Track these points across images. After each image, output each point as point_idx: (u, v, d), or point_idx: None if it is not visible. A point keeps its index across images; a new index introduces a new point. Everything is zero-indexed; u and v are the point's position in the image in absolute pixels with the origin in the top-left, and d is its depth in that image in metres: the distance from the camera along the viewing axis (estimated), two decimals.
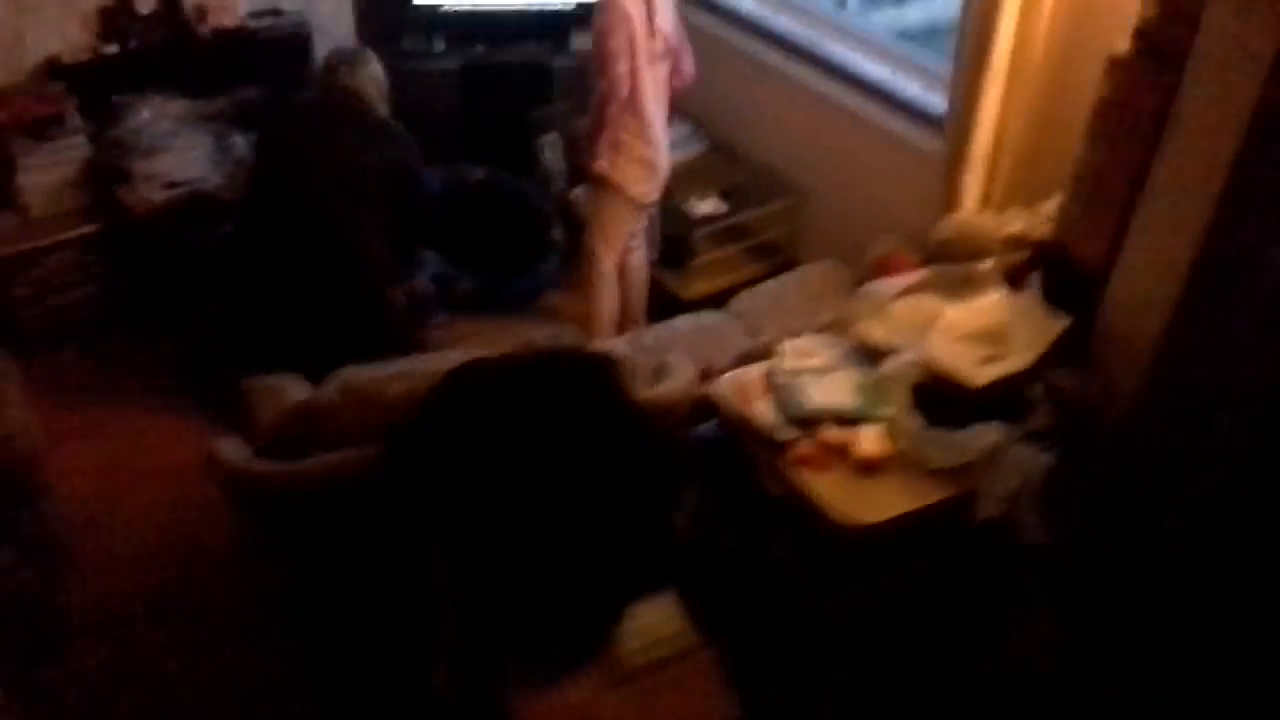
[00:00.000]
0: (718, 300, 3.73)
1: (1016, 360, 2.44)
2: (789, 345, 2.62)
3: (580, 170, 3.55)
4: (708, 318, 3.55)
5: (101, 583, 2.97)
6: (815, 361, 2.56)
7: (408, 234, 3.64)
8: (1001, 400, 2.41)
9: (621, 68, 3.28)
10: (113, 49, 3.93)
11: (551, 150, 4.37)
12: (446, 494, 2.24)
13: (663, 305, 3.90)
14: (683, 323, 3.53)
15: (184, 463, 3.28)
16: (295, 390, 2.87)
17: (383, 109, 3.61)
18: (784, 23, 4.08)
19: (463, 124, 4.44)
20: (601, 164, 3.47)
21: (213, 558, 3.08)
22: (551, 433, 2.24)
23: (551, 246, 4.22)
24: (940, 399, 2.41)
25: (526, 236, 4.20)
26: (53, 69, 3.87)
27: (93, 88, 3.85)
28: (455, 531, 2.24)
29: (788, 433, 2.36)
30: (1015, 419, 2.38)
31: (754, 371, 2.55)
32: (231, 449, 2.47)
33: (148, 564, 3.06)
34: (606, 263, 3.66)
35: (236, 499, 2.53)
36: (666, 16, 3.42)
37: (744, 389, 2.49)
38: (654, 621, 2.19)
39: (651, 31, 3.34)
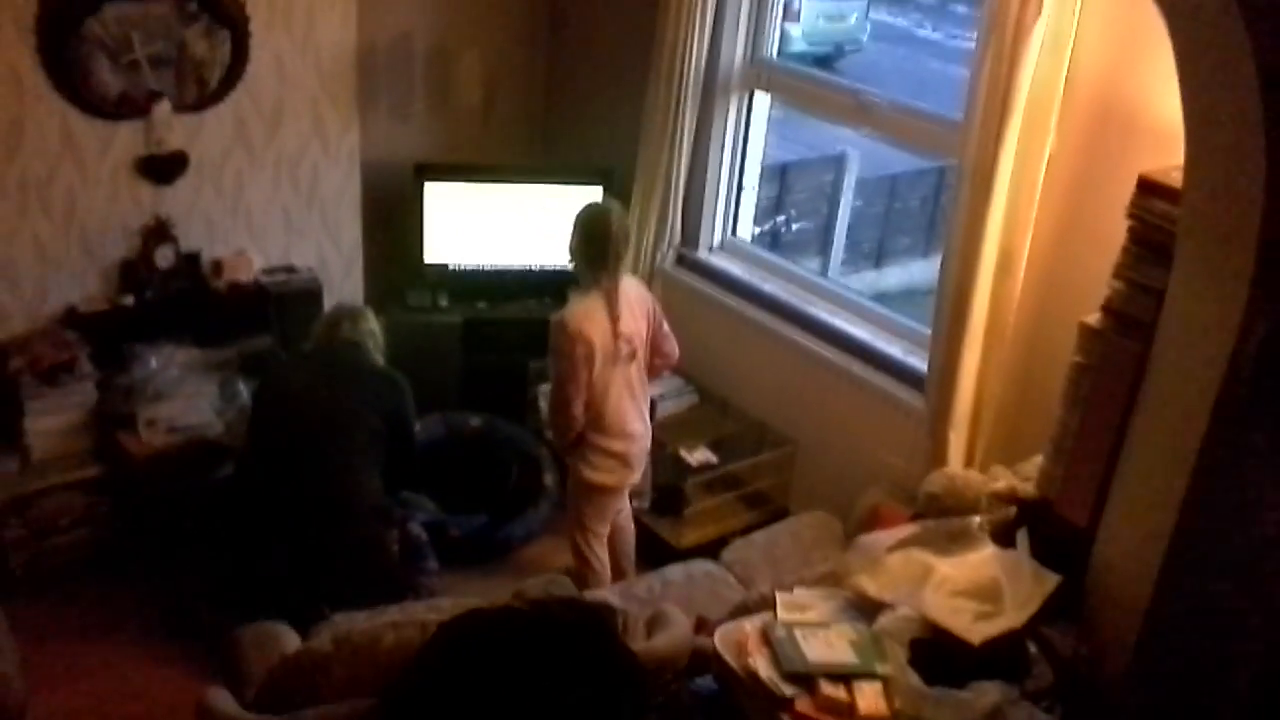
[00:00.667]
0: (710, 549, 3.77)
1: (1011, 618, 2.47)
2: (784, 598, 2.64)
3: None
4: (699, 567, 3.57)
5: None
6: (811, 615, 2.57)
7: (398, 478, 3.71)
8: (998, 658, 2.42)
9: (571, 389, 3.45)
10: (129, 300, 4.11)
11: (546, 400, 4.50)
12: None
13: (656, 553, 3.93)
14: (675, 572, 3.54)
15: (170, 709, 3.21)
16: (286, 639, 2.85)
17: (379, 360, 3.77)
18: (771, 287, 4.32)
19: (463, 374, 4.60)
20: (576, 465, 3.63)
21: None
22: (549, 687, 2.21)
23: (544, 492, 4.27)
24: (937, 655, 2.42)
25: (519, 482, 4.27)
26: (69, 317, 4.04)
27: (106, 336, 3.99)
28: None
29: (786, 689, 2.34)
30: (1013, 678, 2.37)
31: (749, 625, 2.55)
32: (222, 701, 2.42)
33: None
34: (597, 542, 3.73)
35: None
36: (633, 318, 3.53)
37: (740, 643, 2.48)
38: None
39: (615, 336, 3.46)
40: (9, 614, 3.02)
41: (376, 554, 3.62)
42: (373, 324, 3.75)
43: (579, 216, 3.51)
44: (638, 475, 3.75)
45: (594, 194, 4.38)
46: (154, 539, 3.77)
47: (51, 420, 3.79)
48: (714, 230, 4.64)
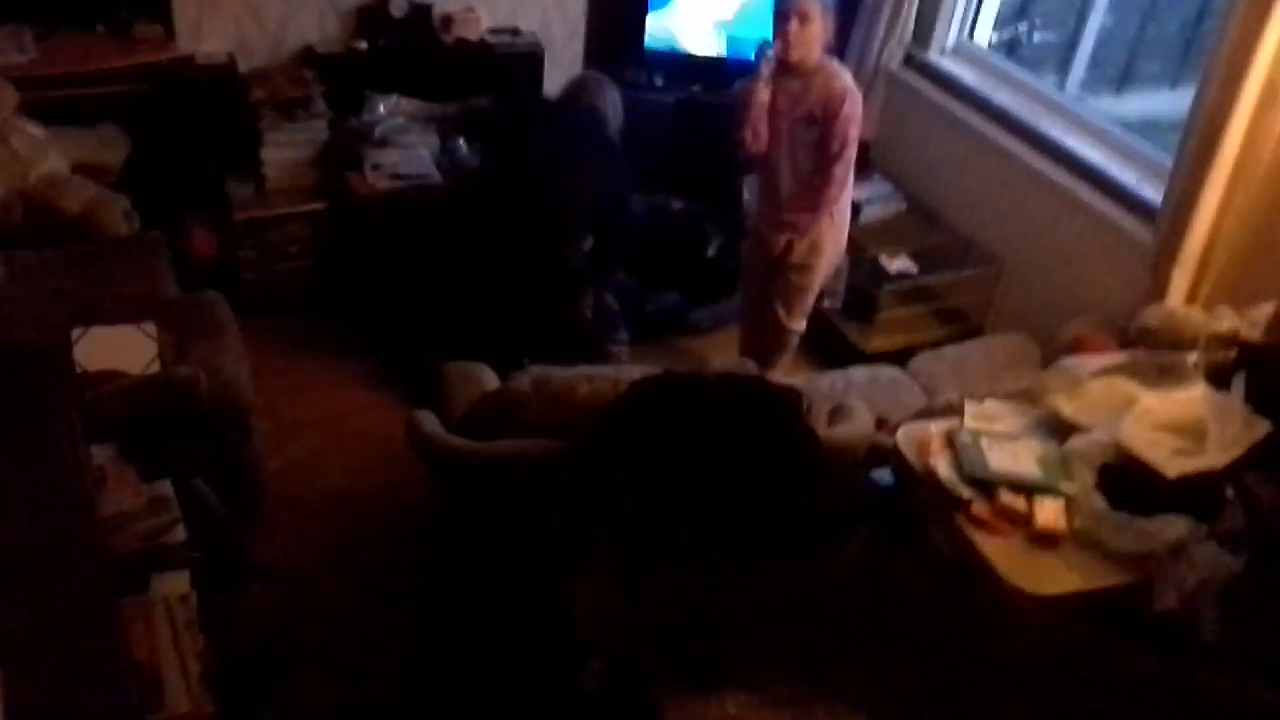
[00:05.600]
0: (896, 358, 3.75)
1: (1212, 458, 2.38)
2: (973, 406, 2.62)
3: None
4: (885, 372, 3.56)
5: (287, 528, 3.17)
6: (999, 426, 2.55)
7: (607, 252, 3.79)
8: (1190, 495, 2.35)
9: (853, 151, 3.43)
10: (363, 45, 4.23)
11: (751, 191, 4.46)
12: (624, 498, 2.32)
13: (841, 355, 3.93)
14: (859, 373, 3.55)
15: (376, 431, 3.51)
16: (487, 378, 3.03)
17: (615, 137, 3.80)
18: (1003, 98, 4.08)
19: (671, 156, 4.59)
20: (836, 237, 3.60)
21: (394, 521, 3.25)
22: (734, 453, 2.30)
23: (736, 282, 4.30)
24: (1127, 484, 2.37)
25: (715, 270, 4.30)
26: (308, 56, 4.20)
27: (340, 78, 4.15)
28: (627, 536, 2.32)
29: (965, 491, 2.36)
30: (1203, 517, 2.31)
31: (934, 427, 2.56)
32: (429, 421, 2.62)
33: (332, 517, 3.26)
34: None
35: (428, 466, 2.67)
36: None
37: (923, 442, 2.50)
38: None
39: None
40: (240, 325, 3.29)
41: (573, 317, 3.77)
42: (616, 95, 3.80)
43: None
44: None
45: None
46: (370, 276, 3.99)
47: (286, 152, 4.00)
48: (949, 30, 4.38)
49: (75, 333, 2.90)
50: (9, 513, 2.21)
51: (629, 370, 2.76)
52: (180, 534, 2.44)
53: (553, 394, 2.60)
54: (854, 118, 3.36)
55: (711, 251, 4.27)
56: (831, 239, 3.58)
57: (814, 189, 3.46)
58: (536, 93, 4.38)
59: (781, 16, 3.34)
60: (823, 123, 3.37)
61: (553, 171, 3.56)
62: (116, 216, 3.48)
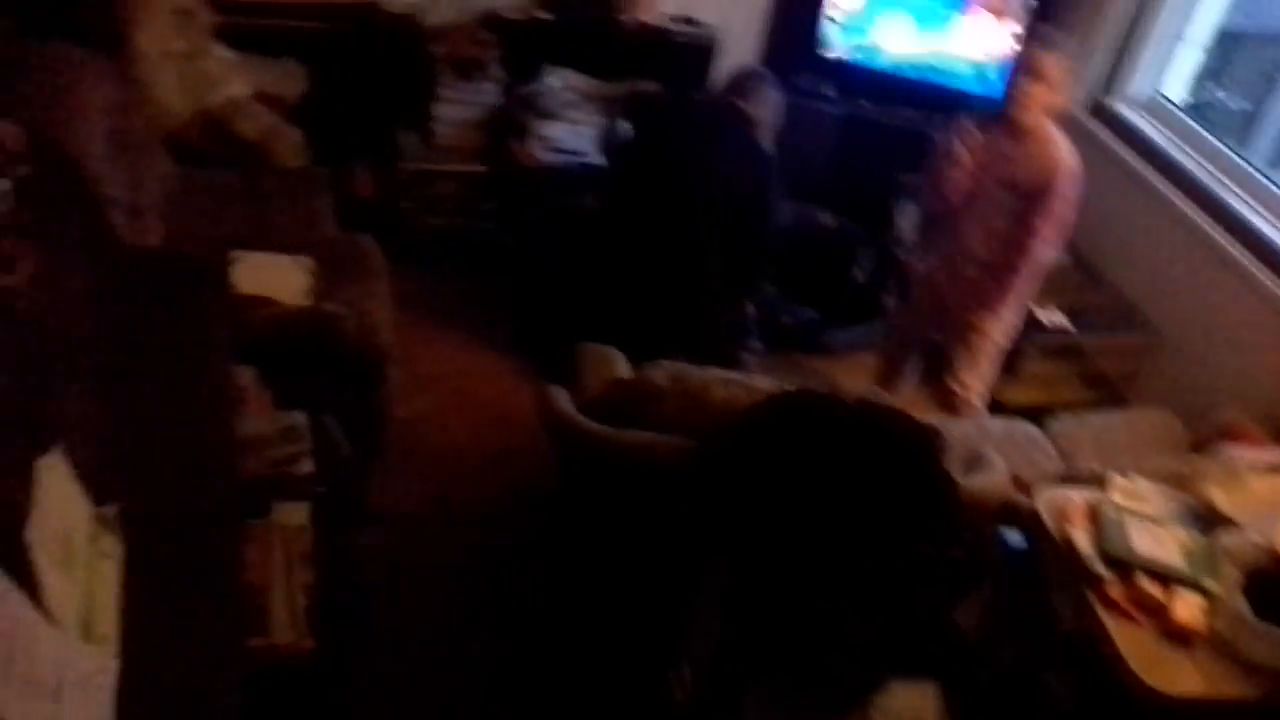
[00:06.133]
0: (1031, 414, 3.61)
1: None
2: (1119, 481, 2.51)
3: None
4: (1021, 428, 3.44)
5: (410, 477, 3.22)
6: (1145, 507, 2.44)
7: (747, 258, 3.73)
8: None
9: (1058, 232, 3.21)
10: (545, 15, 4.25)
11: (906, 218, 4.36)
12: (747, 510, 2.28)
13: None
14: (994, 425, 3.44)
15: (500, 396, 3.57)
16: (620, 365, 3.01)
17: (767, 136, 3.72)
18: (1187, 160, 3.90)
19: (831, 170, 4.51)
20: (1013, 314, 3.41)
21: (506, 488, 3.29)
22: (866, 483, 2.24)
23: (880, 308, 4.21)
24: (1276, 593, 2.24)
25: (858, 294, 4.21)
26: (489, 19, 4.24)
27: (518, 44, 4.18)
28: (743, 548, 2.28)
29: (1102, 569, 2.26)
30: None
31: (1077, 496, 2.46)
32: (562, 399, 2.62)
33: (455, 474, 3.31)
34: None
35: (556, 443, 2.67)
36: None
37: (1064, 510, 2.40)
38: (910, 706, 2.15)
39: None
40: (391, 273, 3.34)
41: (708, 320, 3.73)
42: (775, 94, 3.65)
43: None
44: None
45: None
46: (519, 245, 4.02)
47: (457, 110, 4.06)
48: (1140, 82, 4.20)
49: (235, 254, 2.98)
50: (155, 413, 2.28)
51: (761, 380, 2.73)
52: (307, 466, 2.48)
53: (689, 392, 2.58)
54: (1068, 198, 3.12)
55: (858, 275, 4.18)
56: (1018, 309, 3.40)
57: (1008, 266, 3.22)
58: (697, 83, 4.32)
59: (1022, 70, 3.09)
60: (1030, 195, 3.13)
61: (689, 165, 3.48)
62: (289, 148, 3.57)
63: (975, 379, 3.52)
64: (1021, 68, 3.10)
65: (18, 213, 1.98)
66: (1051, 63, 3.04)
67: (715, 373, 2.75)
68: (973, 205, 3.27)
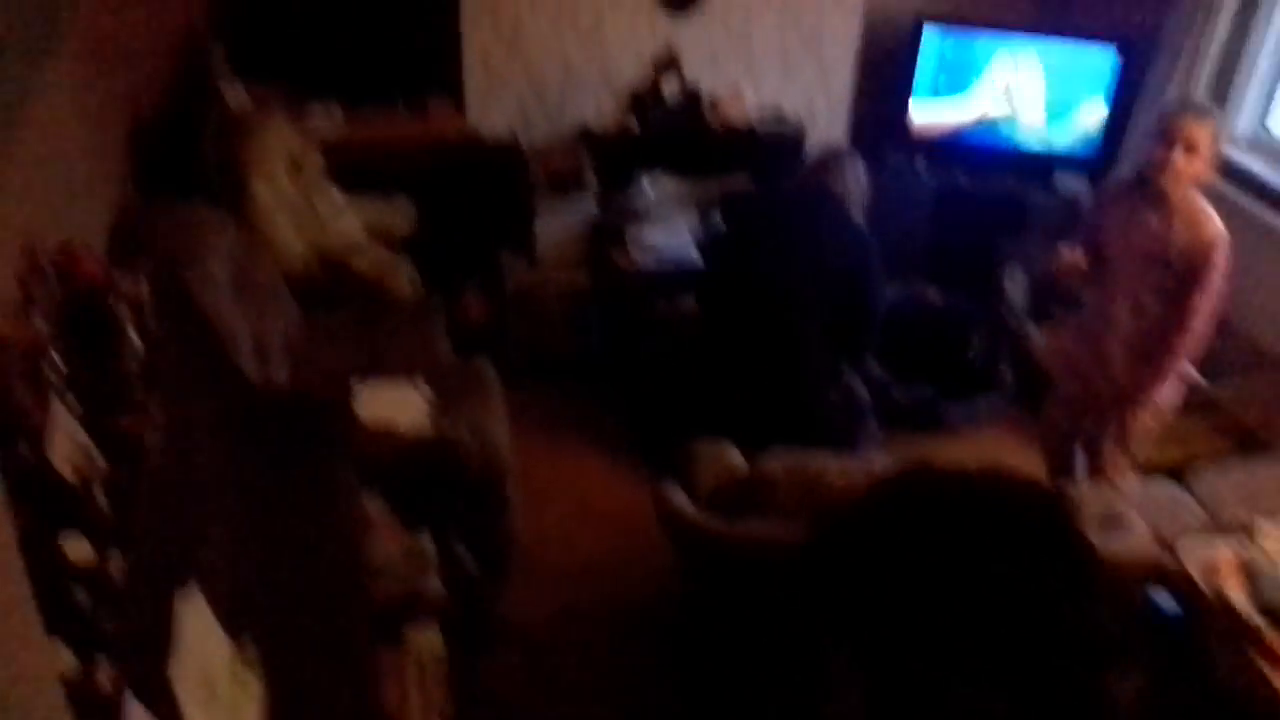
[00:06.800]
0: (1168, 473, 3.46)
1: None
2: (1269, 529, 2.38)
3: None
4: (1159, 487, 3.30)
5: (539, 593, 3.25)
6: None
7: (853, 335, 3.71)
8: None
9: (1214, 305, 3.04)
10: (634, 125, 4.40)
11: (1015, 284, 4.29)
12: (874, 593, 2.24)
13: None
14: (1130, 485, 3.30)
15: (624, 505, 3.57)
16: (734, 457, 3.01)
17: (857, 214, 3.73)
18: None
19: (930, 244, 4.49)
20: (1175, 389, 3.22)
21: (638, 599, 3.29)
22: (996, 554, 2.17)
23: (995, 381, 4.12)
24: None
25: (974, 365, 4.14)
26: (581, 134, 4.41)
27: (610, 156, 4.32)
28: (873, 632, 2.23)
29: (1260, 621, 2.13)
30: None
31: (1225, 549, 2.34)
32: (677, 496, 2.63)
33: (583, 587, 3.33)
34: None
35: (674, 541, 2.68)
36: None
37: (1212, 565, 2.29)
38: None
39: None
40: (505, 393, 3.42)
41: (819, 404, 3.70)
42: (860, 172, 3.67)
43: None
44: None
45: (1105, 57, 4.11)
46: (627, 350, 4.08)
47: (557, 226, 4.22)
48: (1242, 120, 4.09)
49: (357, 386, 3.10)
50: (288, 547, 2.37)
51: (879, 460, 2.68)
52: (436, 587, 2.54)
53: (805, 480, 2.56)
54: (1222, 270, 2.95)
55: (972, 353, 4.11)
56: (1176, 386, 3.21)
57: (1166, 348, 3.04)
58: (787, 172, 4.38)
59: (1164, 139, 2.88)
60: (1182, 273, 2.96)
61: (784, 250, 3.51)
62: (402, 280, 3.73)
63: (1130, 461, 3.37)
64: (1168, 138, 2.87)
65: (149, 364, 2.10)
66: (1203, 133, 2.86)
67: (830, 457, 2.74)
68: (1115, 280, 3.13)
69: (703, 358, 3.80)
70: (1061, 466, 3.53)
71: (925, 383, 4.12)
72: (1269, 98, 4.05)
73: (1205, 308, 2.98)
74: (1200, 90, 4.02)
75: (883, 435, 3.84)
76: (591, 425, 4.03)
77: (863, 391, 3.91)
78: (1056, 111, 4.36)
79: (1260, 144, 4.08)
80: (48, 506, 1.60)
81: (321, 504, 2.53)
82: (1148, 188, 2.97)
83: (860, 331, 3.72)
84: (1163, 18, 4.06)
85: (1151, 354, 3.07)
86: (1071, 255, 3.19)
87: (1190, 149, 2.85)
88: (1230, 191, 3.96)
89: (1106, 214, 3.16)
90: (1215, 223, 2.93)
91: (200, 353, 2.71)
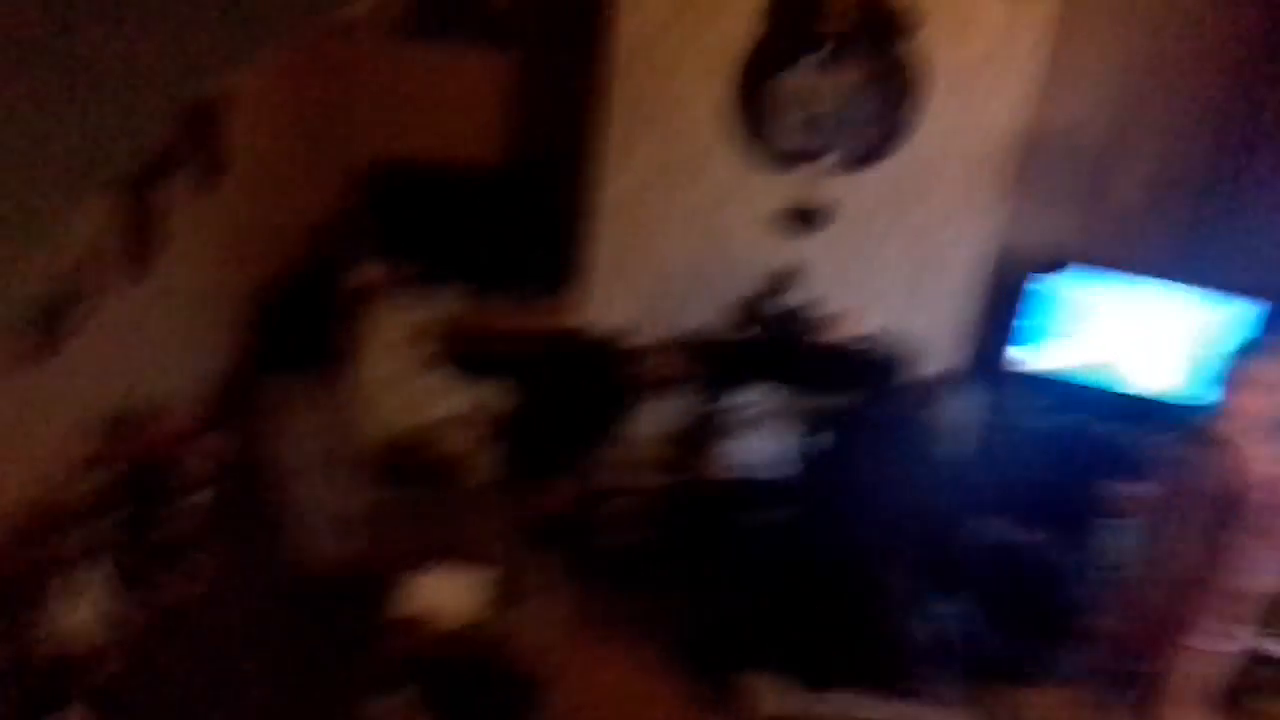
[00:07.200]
0: None
1: None
2: None
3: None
4: None
5: None
6: None
7: (931, 575, 3.57)
8: None
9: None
10: (742, 336, 4.43)
11: (1115, 535, 4.05)
12: None
13: None
14: None
15: None
16: (789, 699, 2.87)
17: (950, 445, 3.65)
18: None
19: (1038, 487, 4.30)
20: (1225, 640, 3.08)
21: None
22: None
23: (1080, 636, 3.84)
24: None
25: (1065, 618, 3.89)
26: (694, 338, 4.46)
27: (714, 362, 4.35)
28: None
29: None
30: None
31: None
32: None
33: None
34: None
35: None
36: None
37: None
38: None
39: None
40: (574, 588, 3.37)
41: (890, 641, 3.53)
42: (969, 413, 3.64)
43: None
44: None
45: (1249, 313, 4.00)
46: (704, 561, 4.01)
47: (652, 427, 4.23)
48: None
49: (417, 570, 3.13)
50: None
51: (937, 715, 2.51)
52: None
53: None
54: (1274, 509, 2.85)
55: (1063, 600, 3.87)
56: (1224, 637, 3.04)
57: (1201, 583, 2.95)
58: (887, 395, 4.31)
59: (1233, 381, 2.89)
60: (1224, 508, 2.87)
61: (861, 479, 3.48)
62: (487, 465, 3.80)
63: (1182, 715, 3.14)
64: (1236, 380, 2.88)
65: (209, 525, 2.18)
66: (1269, 370, 2.84)
67: (890, 707, 2.57)
68: (1169, 518, 3.06)
69: (781, 577, 3.70)
70: (1104, 707, 3.40)
71: (1017, 633, 3.87)
72: None
73: (1246, 546, 2.85)
74: None
75: (967, 685, 3.61)
76: (659, 636, 3.88)
77: (950, 633, 3.72)
78: (1193, 362, 4.19)
79: None
80: (36, 692, 1.66)
81: (333, 696, 2.53)
82: (1208, 427, 2.96)
83: (939, 572, 3.59)
84: None
85: (1190, 591, 2.96)
86: (1141, 489, 3.19)
87: (1250, 386, 2.84)
88: None
89: (1182, 452, 3.10)
90: (1265, 457, 2.85)
91: (259, 523, 2.82)
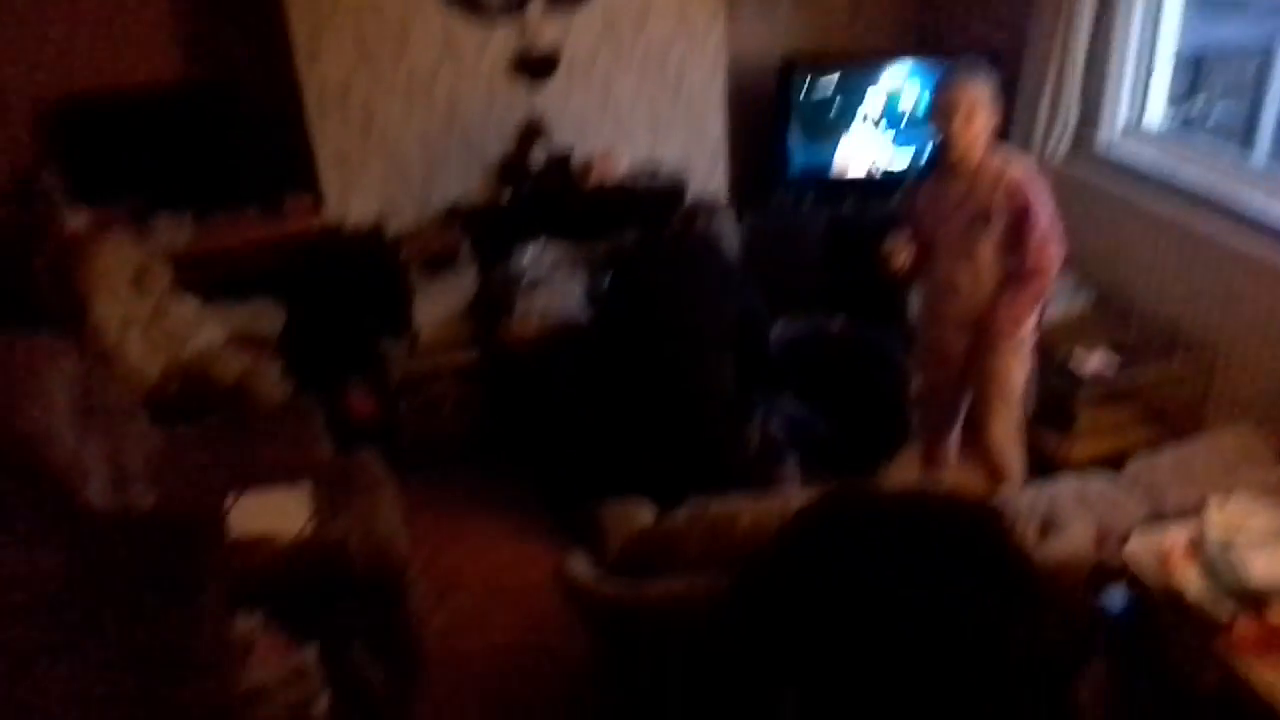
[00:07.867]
0: (1103, 466, 3.33)
1: None
2: (1215, 509, 2.22)
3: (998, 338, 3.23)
4: (1096, 482, 3.14)
5: (446, 688, 2.99)
6: (1251, 529, 2.14)
7: (754, 376, 3.58)
8: None
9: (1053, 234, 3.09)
10: (506, 197, 4.23)
11: (916, 302, 4.18)
12: (802, 632, 2.01)
13: (1039, 468, 3.53)
14: (1065, 486, 3.14)
15: (540, 584, 3.28)
16: (645, 515, 2.80)
17: (731, 253, 3.66)
18: (1188, 175, 3.71)
19: (827, 278, 4.38)
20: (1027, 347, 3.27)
21: (559, 676, 3.06)
22: (929, 579, 1.96)
23: (906, 402, 3.98)
24: None
25: (885, 387, 4.00)
26: (452, 212, 4.23)
27: (485, 230, 4.14)
28: (810, 674, 2.00)
29: (1224, 610, 1.95)
30: None
31: (1174, 536, 2.16)
32: (580, 566, 2.39)
33: (495, 675, 3.08)
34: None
35: (582, 614, 2.44)
36: None
37: (1162, 555, 2.11)
38: None
39: None
40: (399, 483, 3.18)
41: (732, 449, 3.53)
42: (727, 223, 3.67)
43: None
44: None
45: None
46: (527, 423, 3.87)
47: (437, 307, 3.98)
48: (1118, 115, 4.06)
49: (230, 499, 2.84)
50: (147, 683, 2.10)
51: (795, 494, 2.49)
52: (322, 704, 2.26)
53: (711, 525, 2.34)
54: (1044, 202, 3.05)
55: (882, 376, 3.98)
56: (1025, 349, 3.24)
57: (1016, 285, 3.10)
58: (655, 228, 4.26)
59: (940, 113, 3.04)
60: (1009, 220, 3.05)
61: (673, 303, 3.43)
62: (270, 384, 3.49)
63: (1005, 431, 3.31)
64: (941, 110, 3.03)
65: None
66: (967, 95, 2.99)
67: (743, 499, 2.52)
68: (947, 254, 3.20)
69: (607, 417, 3.61)
70: (934, 456, 3.57)
71: (843, 413, 3.95)
72: (1141, 94, 4.03)
73: (1044, 240, 3.03)
74: (1075, 92, 3.98)
75: (807, 472, 3.66)
76: (502, 503, 3.79)
77: (778, 430, 3.74)
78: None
79: (1136, 135, 4.04)
80: None
81: (184, 633, 2.26)
82: (944, 163, 3.10)
83: (759, 371, 3.61)
84: (1026, 30, 4.03)
85: (997, 297, 3.13)
86: (897, 245, 3.27)
87: (968, 118, 2.98)
88: (1118, 185, 3.93)
89: (917, 200, 3.27)
90: (1016, 165, 3.06)
91: (30, 490, 2.44)
